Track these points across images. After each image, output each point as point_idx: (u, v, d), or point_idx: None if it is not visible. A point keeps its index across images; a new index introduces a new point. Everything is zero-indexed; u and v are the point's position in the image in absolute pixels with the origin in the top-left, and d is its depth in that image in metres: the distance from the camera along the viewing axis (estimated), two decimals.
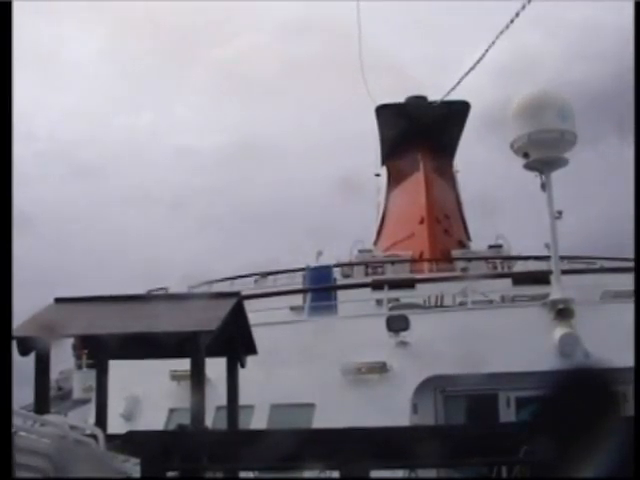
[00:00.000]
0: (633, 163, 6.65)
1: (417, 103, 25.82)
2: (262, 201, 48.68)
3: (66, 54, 58.37)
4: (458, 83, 14.50)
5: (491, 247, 23.93)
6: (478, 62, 13.10)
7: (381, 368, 13.12)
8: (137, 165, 56.35)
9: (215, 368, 10.06)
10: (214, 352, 9.41)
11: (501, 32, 11.73)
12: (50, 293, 10.32)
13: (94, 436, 7.10)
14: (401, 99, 26.67)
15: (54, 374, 18.28)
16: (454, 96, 16.83)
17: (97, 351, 10.53)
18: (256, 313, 11.45)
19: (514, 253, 23.39)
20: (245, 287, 19.25)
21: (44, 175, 50.40)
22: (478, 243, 25.92)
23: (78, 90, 60.07)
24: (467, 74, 13.74)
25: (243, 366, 10.75)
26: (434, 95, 23.36)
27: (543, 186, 13.23)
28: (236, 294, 10.64)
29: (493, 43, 12.21)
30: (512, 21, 11.22)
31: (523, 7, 10.77)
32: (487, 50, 12.52)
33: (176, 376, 13.61)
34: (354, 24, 25.90)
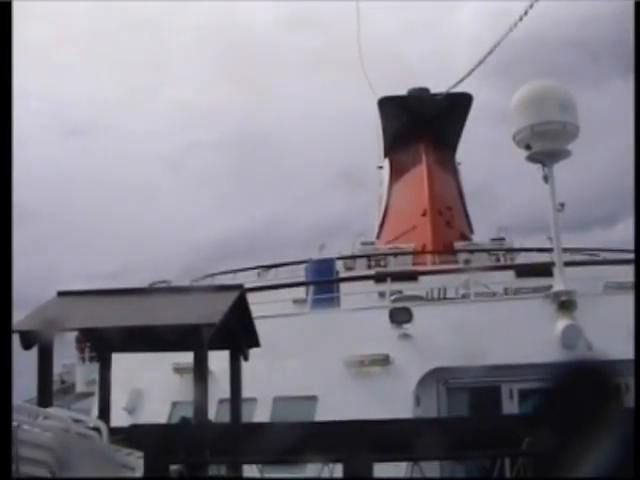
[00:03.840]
0: (633, 166, 6.67)
1: (419, 95, 25.83)
2: (259, 189, 48.63)
3: (58, 10, 58.13)
4: (462, 80, 14.51)
5: (494, 239, 23.94)
6: (483, 60, 13.10)
7: (384, 360, 13.13)
8: (134, 122, 56.15)
9: (218, 361, 10.07)
10: (217, 345, 9.41)
11: (508, 32, 11.72)
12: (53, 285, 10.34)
13: (97, 429, 7.10)
14: (404, 91, 26.66)
15: (57, 367, 18.32)
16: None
17: (100, 344, 10.53)
18: (259, 306, 11.44)
19: (516, 245, 23.40)
20: (248, 280, 19.26)
21: (38, 134, 50.00)
22: (480, 235, 25.96)
23: (72, 47, 59.86)
24: (472, 71, 13.74)
25: (246, 359, 10.75)
26: (436, 87, 23.39)
27: (545, 178, 13.23)
28: (239, 287, 10.63)
29: (499, 43, 12.20)
30: (519, 21, 11.21)
31: (531, 6, 10.75)
32: (493, 48, 12.51)
33: (179, 369, 13.63)
34: (357, 17, 25.97)
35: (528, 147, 13.20)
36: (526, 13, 10.90)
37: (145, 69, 62.21)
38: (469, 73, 13.94)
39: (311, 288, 16.67)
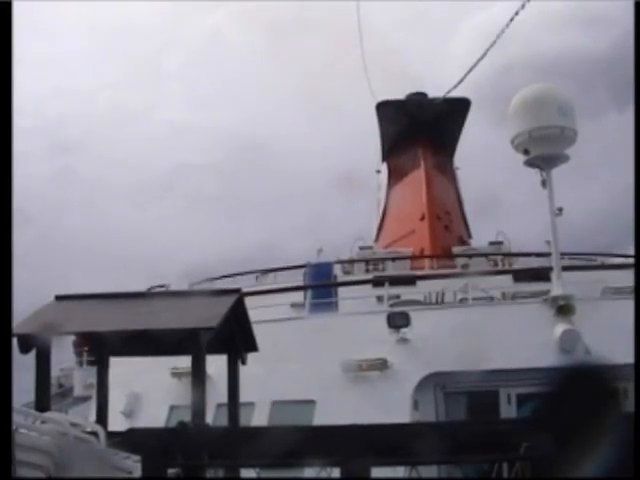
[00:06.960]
0: (633, 171, 6.68)
1: (417, 100, 25.80)
2: (259, 190, 48.50)
3: (54, 27, 58.20)
4: (459, 82, 14.46)
5: (492, 244, 23.93)
6: (479, 61, 13.06)
7: (382, 365, 13.13)
8: (127, 142, 55.93)
9: (216, 365, 10.06)
10: (215, 349, 9.40)
11: (502, 31, 11.74)
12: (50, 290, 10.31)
13: (95, 433, 7.08)
14: (402, 96, 26.66)
15: (55, 371, 18.29)
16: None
17: (98, 348, 10.52)
18: (257, 310, 11.44)
19: (515, 250, 23.38)
20: (246, 284, 19.24)
21: (29, 152, 49.88)
22: (479, 240, 25.92)
23: (66, 64, 59.84)
24: (468, 73, 13.71)
25: (244, 363, 10.74)
26: (434, 91, 23.37)
27: (544, 183, 13.24)
28: (237, 291, 10.62)
29: (494, 42, 12.21)
30: (513, 18, 11.23)
31: (523, 6, 10.78)
32: (488, 49, 12.51)
33: (177, 373, 13.63)
34: (356, 20, 26.01)
35: (526, 152, 13.21)
36: (517, 13, 10.93)
37: (138, 88, 62.24)
38: (464, 76, 13.93)
39: (309, 292, 16.67)
